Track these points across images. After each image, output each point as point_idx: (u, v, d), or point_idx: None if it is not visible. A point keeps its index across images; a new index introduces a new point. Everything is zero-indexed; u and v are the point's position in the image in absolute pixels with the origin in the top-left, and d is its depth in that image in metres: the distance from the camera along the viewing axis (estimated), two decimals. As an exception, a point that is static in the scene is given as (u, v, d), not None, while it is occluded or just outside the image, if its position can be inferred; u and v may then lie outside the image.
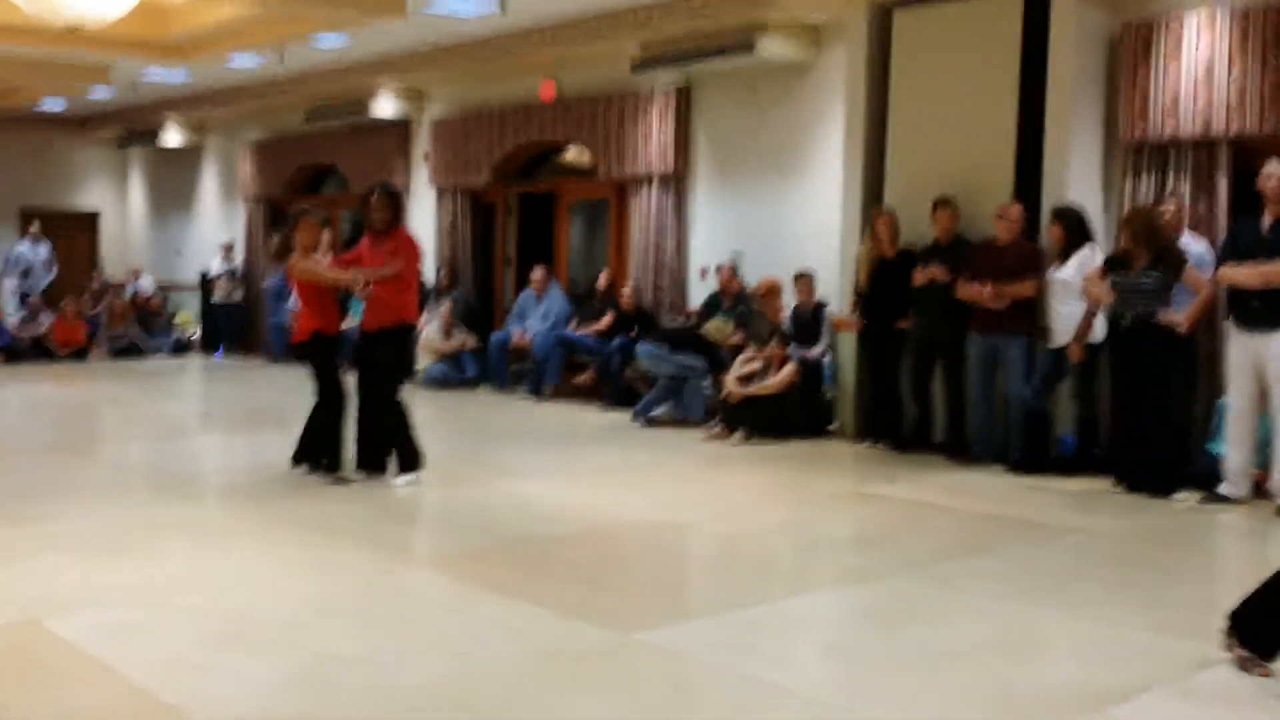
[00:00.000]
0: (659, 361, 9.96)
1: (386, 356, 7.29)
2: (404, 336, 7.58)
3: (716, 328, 9.97)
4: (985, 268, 8.04)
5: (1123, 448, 7.28)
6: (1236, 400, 6.86)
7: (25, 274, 16.48)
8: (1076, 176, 7.99)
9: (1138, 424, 7.14)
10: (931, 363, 8.56)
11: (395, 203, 7.41)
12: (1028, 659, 4.36)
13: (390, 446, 7.26)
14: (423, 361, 12.19)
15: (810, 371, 9.32)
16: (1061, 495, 7.23)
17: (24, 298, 16.12)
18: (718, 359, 9.84)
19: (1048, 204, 8.01)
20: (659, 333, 10.41)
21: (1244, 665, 4.02)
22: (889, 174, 9.05)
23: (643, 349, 10.15)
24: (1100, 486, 7.34)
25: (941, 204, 8.38)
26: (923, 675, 4.12)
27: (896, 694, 3.95)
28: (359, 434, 7.40)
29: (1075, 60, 7.97)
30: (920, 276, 8.39)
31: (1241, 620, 4.06)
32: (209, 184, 17.74)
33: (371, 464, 7.32)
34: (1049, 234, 7.78)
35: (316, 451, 7.39)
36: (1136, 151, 7.93)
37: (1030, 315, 7.99)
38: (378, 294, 7.17)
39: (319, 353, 7.41)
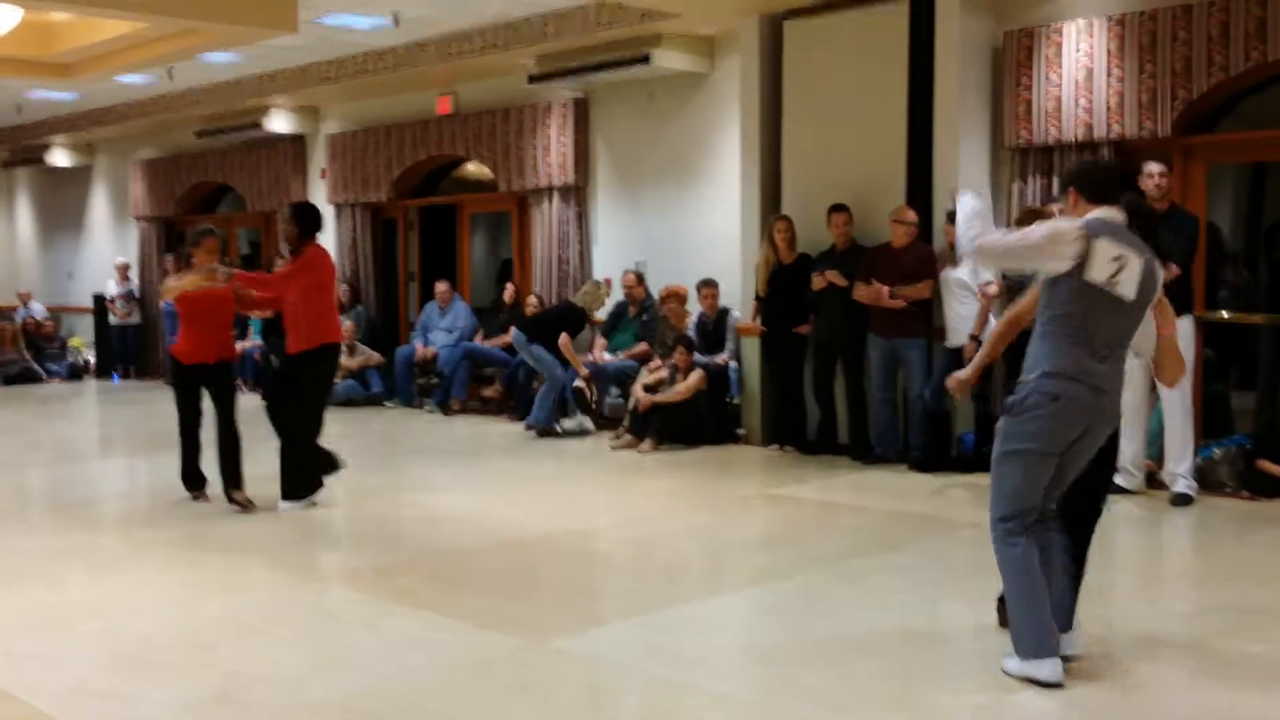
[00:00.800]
0: (521, 349, 10.00)
1: (300, 379, 7.07)
2: (318, 359, 7.06)
3: (587, 293, 10.04)
4: (882, 271, 8.23)
5: None
6: (1128, 395, 7.06)
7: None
8: (965, 180, 8.20)
9: None
10: (833, 366, 8.71)
11: (300, 218, 7.15)
12: (933, 649, 4.47)
13: (285, 468, 7.05)
14: (326, 379, 12.05)
15: (716, 378, 9.43)
16: (963, 491, 7.42)
17: (-94, 326, 15.58)
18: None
19: (939, 207, 8.21)
20: (524, 320, 10.43)
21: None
22: (785, 181, 9.20)
23: (514, 334, 10.14)
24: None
25: (836, 210, 8.56)
26: (833, 669, 4.21)
27: (808, 689, 4.03)
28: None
29: (960, 68, 8.20)
30: (818, 281, 8.55)
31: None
32: (99, 204, 17.33)
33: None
34: (945, 235, 7.99)
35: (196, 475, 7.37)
36: (1022, 155, 8.18)
37: (927, 316, 8.19)
38: (287, 317, 6.99)
39: (181, 379, 7.35)
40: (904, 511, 6.91)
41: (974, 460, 7.88)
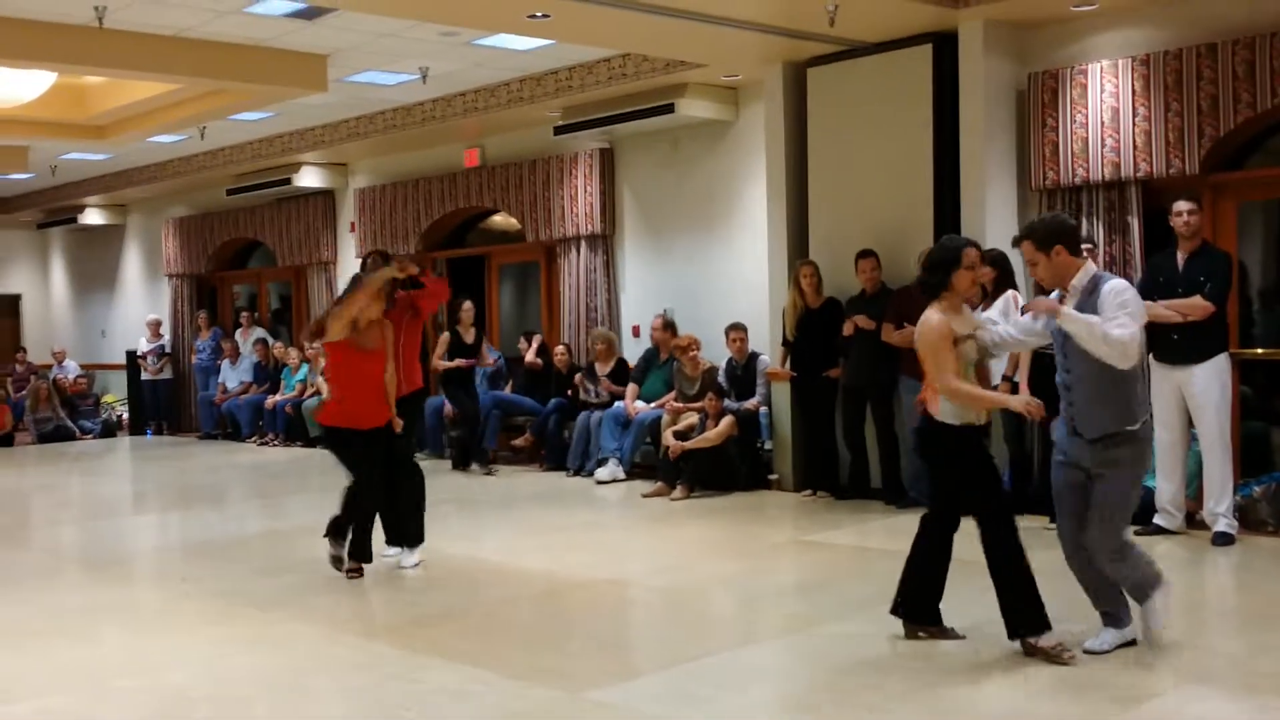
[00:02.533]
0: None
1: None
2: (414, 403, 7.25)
3: None
4: (911, 313, 8.19)
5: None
6: (1164, 434, 7.00)
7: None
8: (993, 222, 8.19)
9: None
10: (863, 409, 8.67)
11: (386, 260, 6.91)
12: (977, 696, 4.40)
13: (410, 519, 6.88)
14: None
15: (747, 423, 9.39)
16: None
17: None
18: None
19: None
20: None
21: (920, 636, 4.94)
22: (812, 226, 9.20)
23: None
24: (1036, 524, 7.44)
25: (864, 256, 8.55)
26: (874, 718, 4.15)
27: (846, 737, 3.97)
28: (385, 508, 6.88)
29: (985, 110, 8.21)
30: (848, 327, 8.52)
31: (905, 606, 4.98)
32: (132, 262, 17.54)
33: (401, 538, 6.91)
34: (980, 276, 7.93)
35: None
36: (1050, 196, 8.16)
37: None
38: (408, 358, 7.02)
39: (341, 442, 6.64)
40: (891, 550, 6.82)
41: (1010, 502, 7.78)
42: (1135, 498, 4.72)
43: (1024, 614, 4.68)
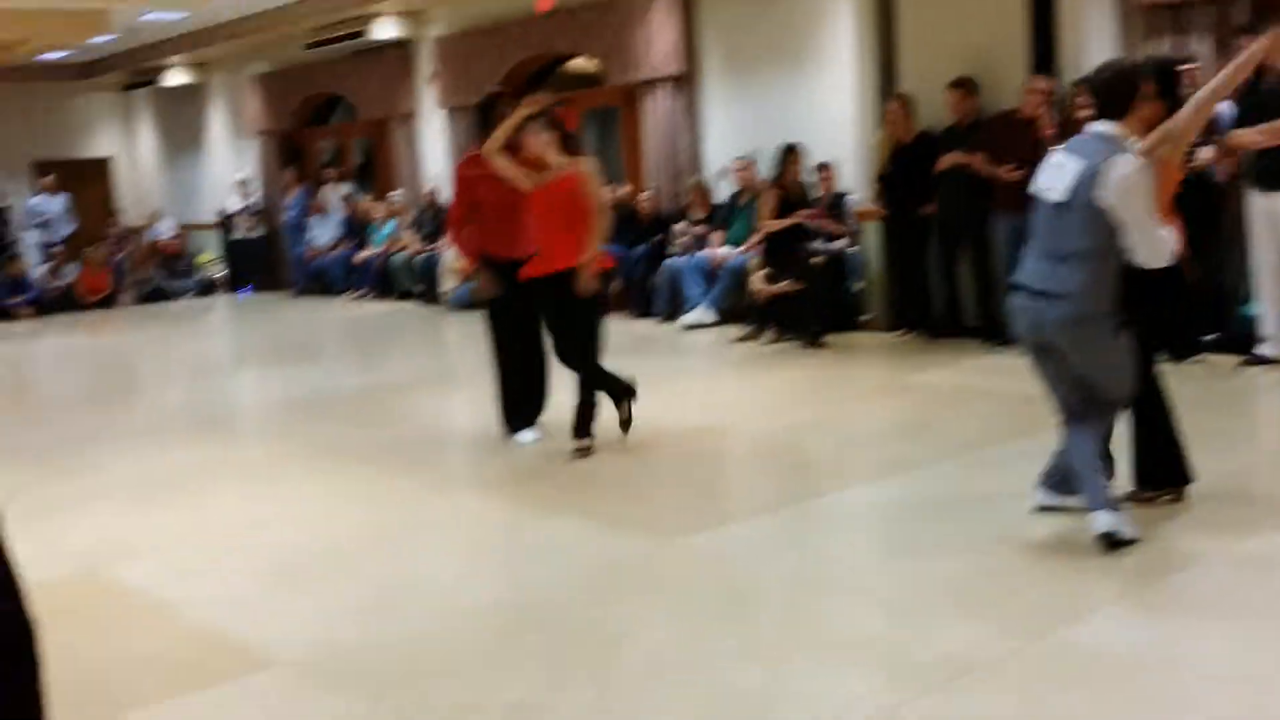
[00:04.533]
0: None
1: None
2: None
3: None
4: (1010, 143, 7.91)
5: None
6: (1264, 258, 6.79)
7: (44, 226, 16.50)
8: (1093, 44, 7.81)
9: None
10: (957, 246, 8.48)
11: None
12: (1078, 537, 4.37)
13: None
14: (448, 284, 12.21)
15: (836, 264, 9.25)
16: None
17: (46, 250, 16.18)
18: None
19: (1066, 75, 7.85)
20: None
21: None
22: (902, 58, 8.88)
23: None
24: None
25: (953, 86, 8.24)
26: (973, 561, 4.15)
27: (950, 582, 3.98)
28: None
29: (1087, -76, 7.75)
30: (944, 163, 8.27)
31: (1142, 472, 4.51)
32: (217, 122, 17.62)
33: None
34: (1076, 106, 7.62)
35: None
36: (1153, 13, 7.74)
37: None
38: None
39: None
40: (1038, 395, 6.73)
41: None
42: None
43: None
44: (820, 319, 8.81)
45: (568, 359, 5.91)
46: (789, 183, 9.01)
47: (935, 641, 3.48)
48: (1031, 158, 7.68)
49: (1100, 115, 4.22)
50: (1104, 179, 4.03)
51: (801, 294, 8.93)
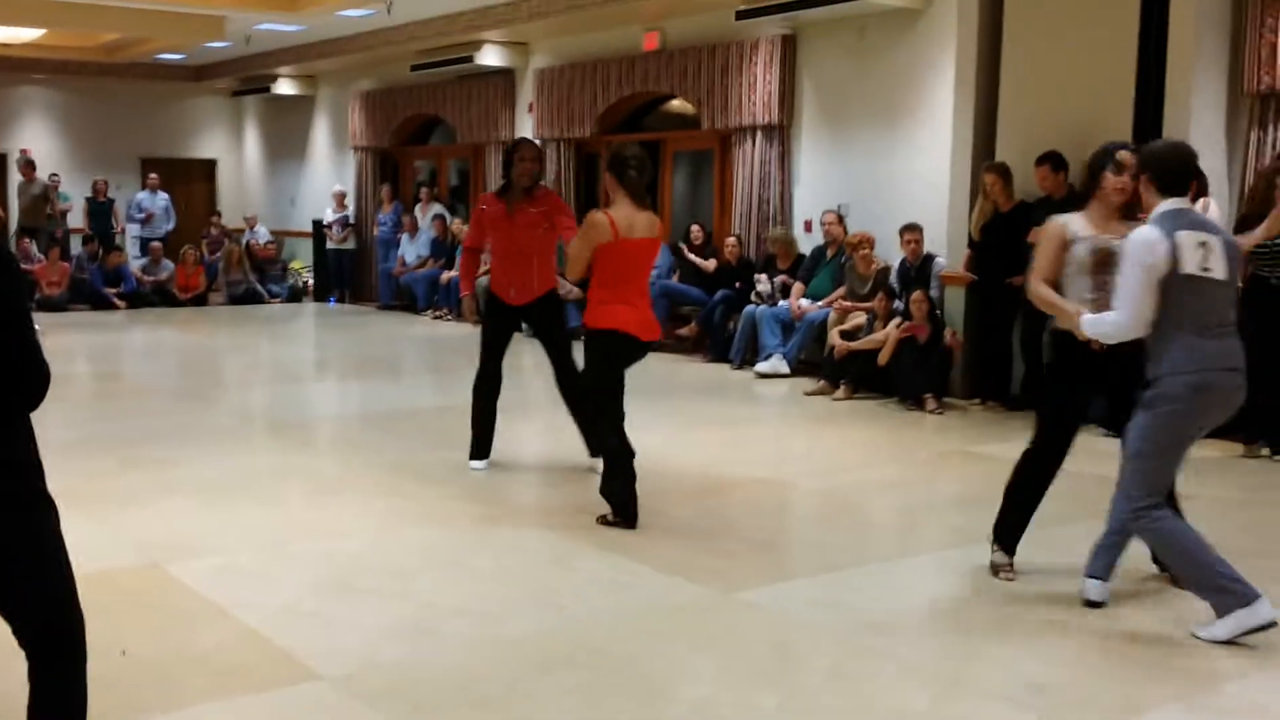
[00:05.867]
0: None
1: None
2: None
3: None
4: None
5: (1263, 409, 6.71)
6: None
7: (145, 222, 16.99)
8: (1199, 127, 7.69)
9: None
10: (1043, 319, 8.35)
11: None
12: (1138, 630, 4.27)
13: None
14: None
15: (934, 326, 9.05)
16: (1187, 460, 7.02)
17: (146, 245, 16.64)
18: None
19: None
20: None
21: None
22: (1001, 124, 8.82)
23: None
24: (1229, 451, 7.11)
25: (1040, 162, 8.16)
26: (1028, 643, 4.07)
27: (1002, 662, 3.91)
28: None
29: (1198, 5, 7.65)
30: (1034, 235, 8.17)
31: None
32: (320, 133, 18.03)
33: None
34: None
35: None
36: (1263, 101, 7.61)
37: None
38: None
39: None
40: (1113, 477, 6.59)
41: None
42: (1170, 449, 4.30)
43: (1003, 525, 4.81)
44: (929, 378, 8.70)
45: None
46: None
47: (980, 723, 3.41)
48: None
49: (1168, 193, 4.26)
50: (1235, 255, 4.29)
51: (920, 349, 8.76)
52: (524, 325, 6.83)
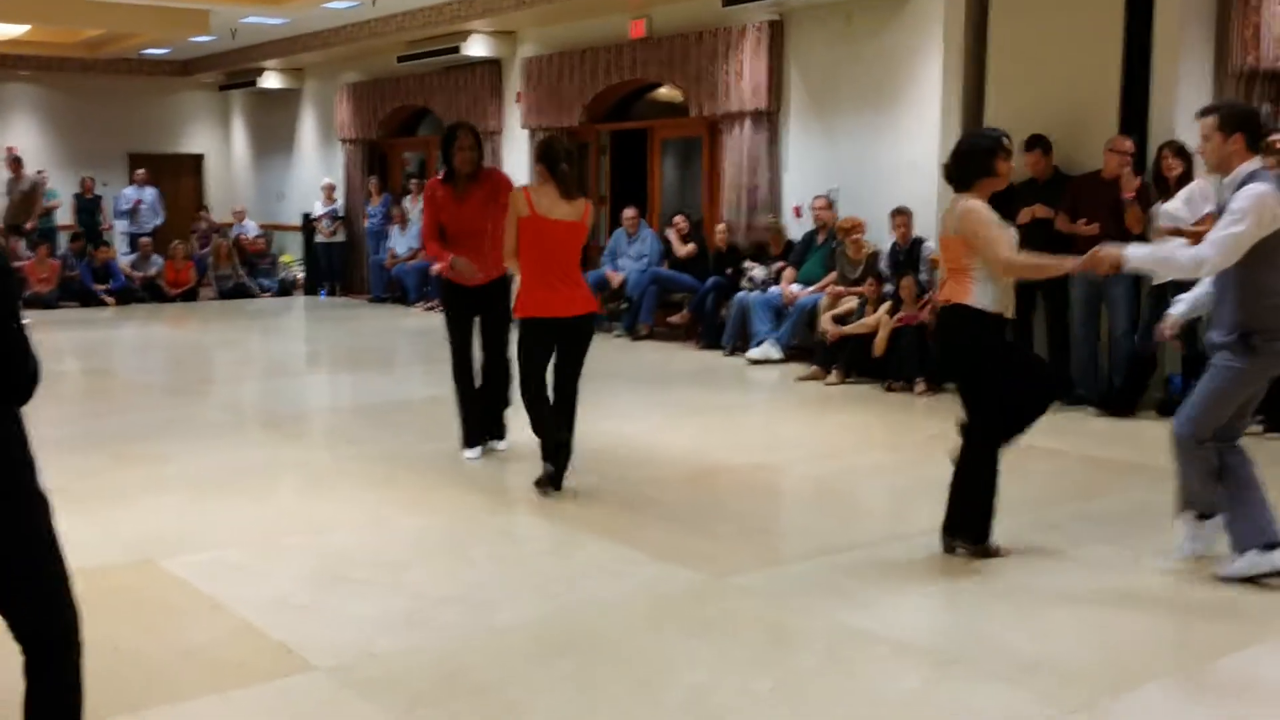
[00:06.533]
0: None
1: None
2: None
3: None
4: (1090, 202, 7.83)
5: None
6: None
7: (133, 217, 16.93)
8: (1184, 107, 7.69)
9: None
10: (1033, 302, 8.37)
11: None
12: (1130, 604, 4.30)
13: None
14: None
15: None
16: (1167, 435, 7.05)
17: (134, 240, 16.59)
18: None
19: (1155, 137, 7.75)
20: None
21: (979, 554, 4.73)
22: (989, 108, 8.81)
23: None
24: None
25: (1029, 147, 8.13)
26: (1022, 622, 4.09)
27: (995, 641, 3.93)
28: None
29: (1186, -15, 7.67)
30: (1024, 216, 8.18)
31: (955, 525, 4.80)
32: (308, 126, 17.99)
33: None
34: (1166, 167, 7.53)
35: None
36: (1248, 81, 7.62)
37: (1136, 252, 7.76)
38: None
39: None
40: (1104, 457, 6.64)
41: (1180, 404, 7.48)
42: (1227, 402, 4.50)
43: (969, 521, 4.79)
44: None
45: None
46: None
47: (972, 705, 3.43)
48: (1111, 218, 7.64)
49: (1254, 151, 4.42)
50: None
51: (919, 333, 8.77)
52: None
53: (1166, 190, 7.52)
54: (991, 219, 4.61)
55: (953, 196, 4.75)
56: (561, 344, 5.80)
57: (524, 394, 5.82)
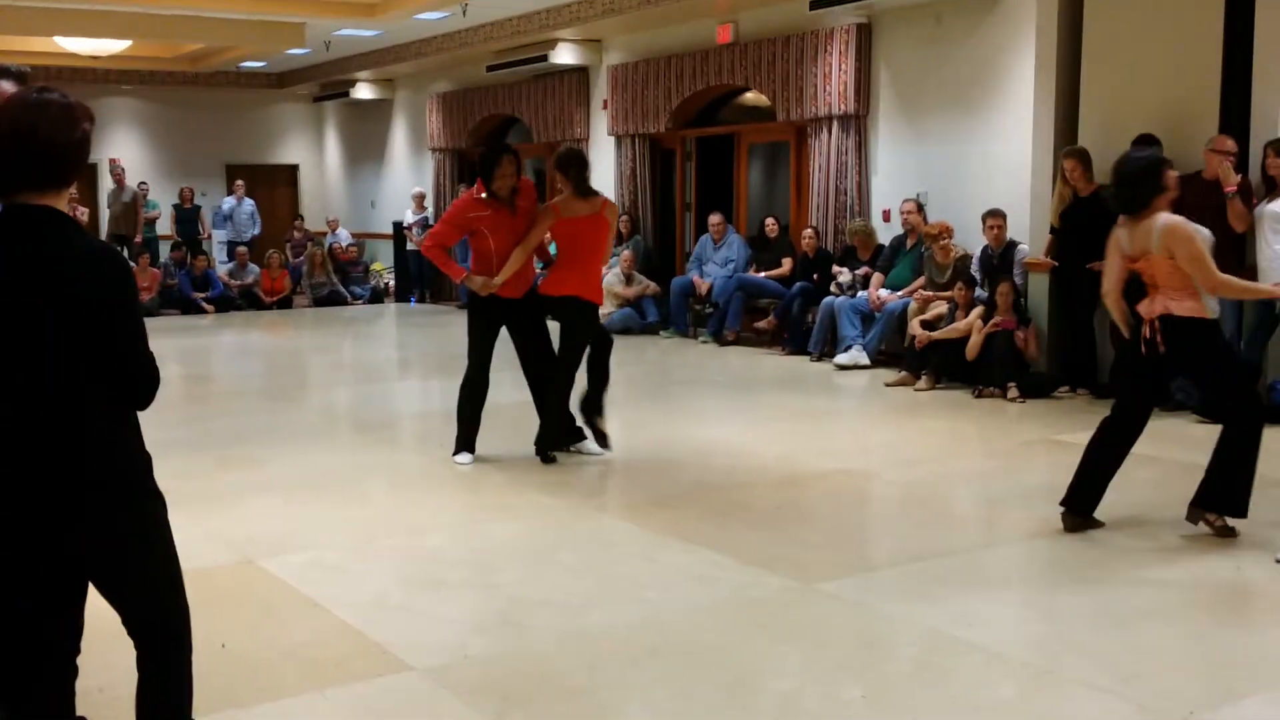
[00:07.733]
0: None
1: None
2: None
3: None
4: (1194, 205, 7.63)
5: None
6: None
7: (231, 227, 17.37)
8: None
9: None
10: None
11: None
12: (1233, 613, 4.19)
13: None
14: (606, 307, 12.37)
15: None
16: (1274, 443, 6.86)
17: (232, 249, 17.00)
18: None
19: (1257, 136, 7.56)
20: None
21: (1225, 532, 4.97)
22: (1083, 108, 8.68)
23: None
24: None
25: (1136, 143, 7.98)
26: (1118, 632, 4.01)
27: (1091, 652, 3.86)
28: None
29: (1290, -20, 7.47)
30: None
31: (1211, 500, 4.99)
32: (399, 136, 18.28)
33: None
34: (1271, 166, 7.33)
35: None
36: (1358, 77, 7.40)
37: (1239, 254, 7.57)
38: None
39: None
40: (1204, 465, 6.46)
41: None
42: None
43: (1232, 495, 4.98)
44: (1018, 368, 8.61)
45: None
46: None
47: (1066, 715, 3.38)
48: (1217, 221, 7.46)
49: None
50: None
51: (1009, 338, 8.69)
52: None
53: (1275, 189, 7.32)
54: (1195, 234, 4.82)
55: (1122, 217, 4.98)
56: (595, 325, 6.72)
57: (569, 374, 6.64)
